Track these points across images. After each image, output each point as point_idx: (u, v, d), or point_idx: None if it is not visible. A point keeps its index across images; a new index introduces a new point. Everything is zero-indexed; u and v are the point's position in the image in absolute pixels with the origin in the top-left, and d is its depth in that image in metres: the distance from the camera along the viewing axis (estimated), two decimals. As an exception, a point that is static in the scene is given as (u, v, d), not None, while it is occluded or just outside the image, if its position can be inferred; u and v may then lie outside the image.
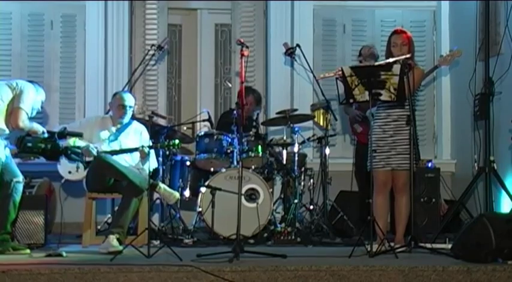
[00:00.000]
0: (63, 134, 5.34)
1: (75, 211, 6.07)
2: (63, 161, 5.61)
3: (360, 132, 6.54)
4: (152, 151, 5.62)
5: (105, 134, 5.79)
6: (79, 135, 5.57)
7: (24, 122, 5.12)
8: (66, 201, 6.20)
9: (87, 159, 5.54)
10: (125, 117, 5.79)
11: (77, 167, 5.63)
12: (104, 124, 5.85)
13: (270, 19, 7.51)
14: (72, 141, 5.54)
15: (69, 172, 5.66)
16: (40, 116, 7.12)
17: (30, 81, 5.47)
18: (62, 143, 5.30)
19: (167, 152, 6.15)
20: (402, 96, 4.98)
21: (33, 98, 5.28)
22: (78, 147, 5.45)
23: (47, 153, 5.15)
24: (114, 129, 5.82)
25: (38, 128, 5.31)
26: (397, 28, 5.60)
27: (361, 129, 6.52)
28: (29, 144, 5.05)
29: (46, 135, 5.25)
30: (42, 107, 5.57)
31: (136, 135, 5.87)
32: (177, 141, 5.56)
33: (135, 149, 5.66)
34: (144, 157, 5.62)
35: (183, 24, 7.86)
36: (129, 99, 5.80)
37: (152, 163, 5.63)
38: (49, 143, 5.14)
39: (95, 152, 5.54)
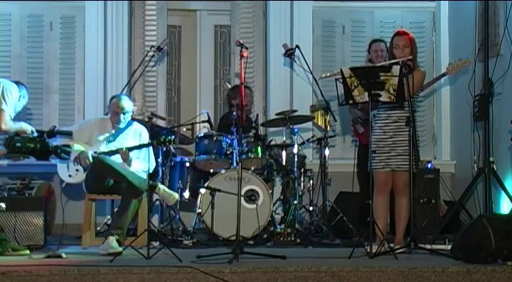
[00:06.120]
0: (53, 133, 5.30)
1: (74, 212, 6.08)
2: (63, 164, 5.61)
3: (362, 133, 6.53)
4: (151, 151, 5.59)
5: (104, 136, 5.78)
6: (68, 133, 5.56)
7: (7, 124, 5.11)
8: (66, 202, 6.19)
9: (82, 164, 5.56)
10: (120, 123, 5.78)
11: (77, 170, 5.63)
12: (103, 126, 5.84)
13: (269, 20, 7.50)
14: (71, 145, 5.52)
15: (70, 176, 5.66)
16: (39, 117, 7.16)
17: (16, 82, 5.46)
18: (53, 143, 5.27)
19: (165, 149, 6.12)
20: (401, 97, 4.98)
21: (16, 98, 5.26)
22: (69, 146, 5.40)
23: (36, 153, 5.10)
24: (113, 131, 5.82)
25: (26, 127, 5.29)
26: (400, 29, 5.55)
27: (362, 130, 6.50)
28: (18, 144, 5.00)
29: (35, 134, 5.23)
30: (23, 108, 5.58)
31: (136, 136, 5.86)
32: (172, 137, 5.52)
33: (117, 151, 5.62)
34: (126, 159, 5.60)
35: (183, 25, 7.85)
36: (125, 105, 5.76)
37: (149, 163, 5.60)
38: (38, 142, 5.08)
39: (90, 160, 5.53)
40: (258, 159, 6.21)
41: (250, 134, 6.20)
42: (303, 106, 7.05)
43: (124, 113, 5.75)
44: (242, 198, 5.70)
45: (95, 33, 7.26)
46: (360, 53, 7.24)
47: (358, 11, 7.60)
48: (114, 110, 5.77)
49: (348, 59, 7.43)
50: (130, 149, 5.63)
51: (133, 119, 6.01)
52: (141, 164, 5.68)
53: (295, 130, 6.37)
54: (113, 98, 5.92)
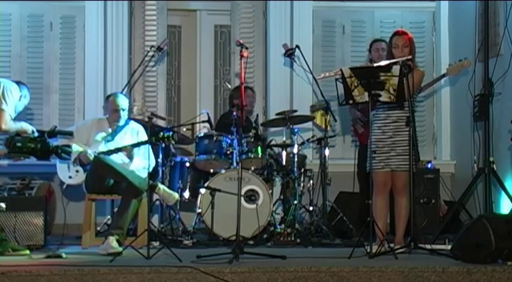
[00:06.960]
0: (53, 133, 5.30)
1: (74, 212, 6.09)
2: (63, 166, 5.61)
3: (361, 133, 6.53)
4: (150, 149, 5.58)
5: (101, 136, 5.78)
6: (69, 133, 5.56)
7: (7, 124, 5.11)
8: (67, 203, 6.18)
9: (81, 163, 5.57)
10: (119, 120, 5.79)
11: (76, 171, 5.63)
12: (100, 126, 5.85)
13: (269, 20, 7.50)
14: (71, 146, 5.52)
15: (70, 177, 5.66)
16: (40, 117, 7.16)
17: (17, 82, 5.45)
18: (53, 143, 5.26)
19: (164, 146, 6.11)
20: (401, 97, 4.98)
21: (16, 98, 5.26)
22: (70, 146, 5.41)
23: (37, 153, 5.09)
24: (110, 130, 5.82)
25: (27, 127, 5.29)
26: (399, 29, 5.56)
27: (362, 130, 6.50)
28: (19, 144, 4.99)
29: (36, 134, 5.23)
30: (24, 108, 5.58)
31: (133, 135, 5.87)
32: (171, 133, 5.50)
33: (119, 150, 5.65)
34: (130, 156, 5.65)
35: (183, 25, 7.85)
36: (122, 102, 5.79)
37: (149, 161, 5.59)
38: (39, 142, 5.07)
39: (91, 158, 5.53)
40: (258, 159, 6.20)
41: (250, 134, 6.20)
42: (303, 106, 7.04)
43: (122, 110, 5.77)
44: (242, 198, 5.70)
45: (95, 33, 7.26)
46: (360, 53, 7.25)
47: (358, 11, 7.60)
48: (112, 108, 5.78)
49: (348, 59, 7.43)
50: (132, 145, 5.65)
51: (130, 119, 6.02)
52: (141, 161, 5.68)
53: (295, 130, 6.37)
54: (108, 96, 5.94)
